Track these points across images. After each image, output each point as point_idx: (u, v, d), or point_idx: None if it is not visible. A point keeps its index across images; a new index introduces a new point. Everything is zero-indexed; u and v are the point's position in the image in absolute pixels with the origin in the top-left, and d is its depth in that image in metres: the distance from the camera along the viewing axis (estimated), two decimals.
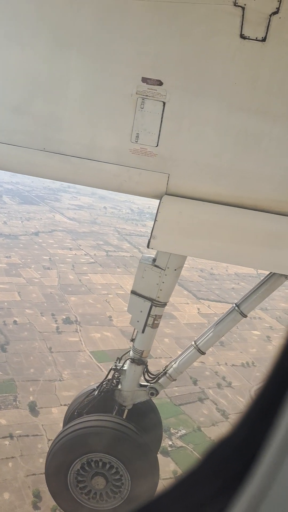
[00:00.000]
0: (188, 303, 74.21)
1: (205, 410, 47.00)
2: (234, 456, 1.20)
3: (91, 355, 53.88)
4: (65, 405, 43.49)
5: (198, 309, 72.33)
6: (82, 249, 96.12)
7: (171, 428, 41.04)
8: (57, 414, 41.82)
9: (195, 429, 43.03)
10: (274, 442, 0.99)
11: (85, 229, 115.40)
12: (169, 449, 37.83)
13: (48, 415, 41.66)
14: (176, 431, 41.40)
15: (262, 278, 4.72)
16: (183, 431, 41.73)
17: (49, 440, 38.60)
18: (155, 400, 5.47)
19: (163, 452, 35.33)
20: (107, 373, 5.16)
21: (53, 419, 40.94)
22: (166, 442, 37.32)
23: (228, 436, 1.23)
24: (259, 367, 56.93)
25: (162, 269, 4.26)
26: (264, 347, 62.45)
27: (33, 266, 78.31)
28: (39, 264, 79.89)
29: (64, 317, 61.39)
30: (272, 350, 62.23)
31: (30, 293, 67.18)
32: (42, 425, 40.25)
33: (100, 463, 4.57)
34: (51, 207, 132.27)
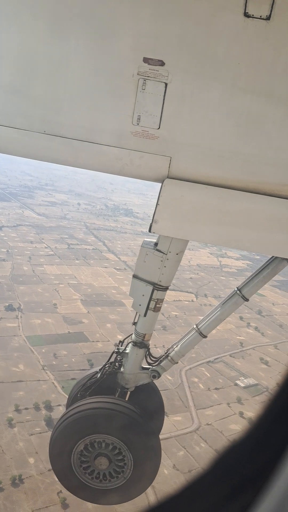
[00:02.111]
0: None
1: None
2: (247, 460, 1.20)
3: (26, 339, 54.56)
4: None
5: None
6: (44, 242, 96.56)
7: None
8: None
9: None
10: None
11: (53, 224, 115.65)
12: None
13: None
14: None
15: (262, 263, 4.77)
16: None
17: None
18: None
19: None
20: (109, 356, 5.24)
21: None
22: None
23: (242, 439, 1.23)
24: (196, 349, 57.92)
25: (164, 253, 4.24)
26: None
27: None
28: None
29: (7, 304, 62.01)
30: (214, 334, 63.28)
31: None
32: None
33: (103, 444, 4.68)
34: (22, 204, 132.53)
